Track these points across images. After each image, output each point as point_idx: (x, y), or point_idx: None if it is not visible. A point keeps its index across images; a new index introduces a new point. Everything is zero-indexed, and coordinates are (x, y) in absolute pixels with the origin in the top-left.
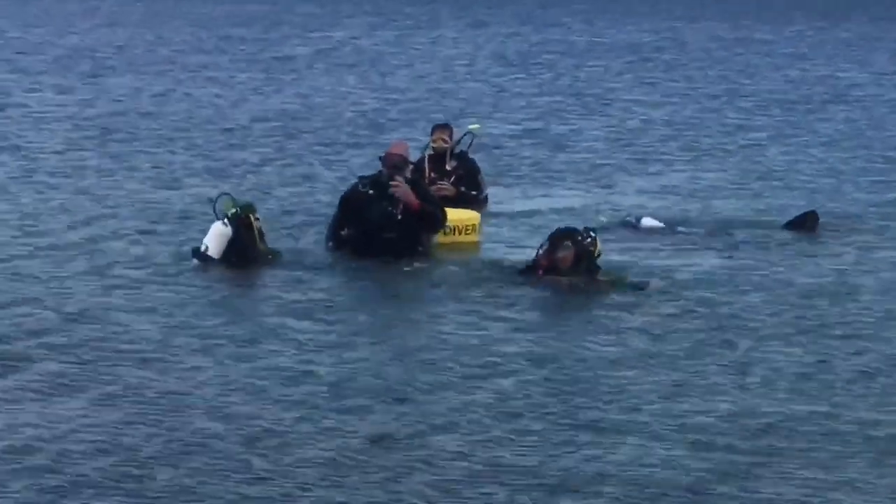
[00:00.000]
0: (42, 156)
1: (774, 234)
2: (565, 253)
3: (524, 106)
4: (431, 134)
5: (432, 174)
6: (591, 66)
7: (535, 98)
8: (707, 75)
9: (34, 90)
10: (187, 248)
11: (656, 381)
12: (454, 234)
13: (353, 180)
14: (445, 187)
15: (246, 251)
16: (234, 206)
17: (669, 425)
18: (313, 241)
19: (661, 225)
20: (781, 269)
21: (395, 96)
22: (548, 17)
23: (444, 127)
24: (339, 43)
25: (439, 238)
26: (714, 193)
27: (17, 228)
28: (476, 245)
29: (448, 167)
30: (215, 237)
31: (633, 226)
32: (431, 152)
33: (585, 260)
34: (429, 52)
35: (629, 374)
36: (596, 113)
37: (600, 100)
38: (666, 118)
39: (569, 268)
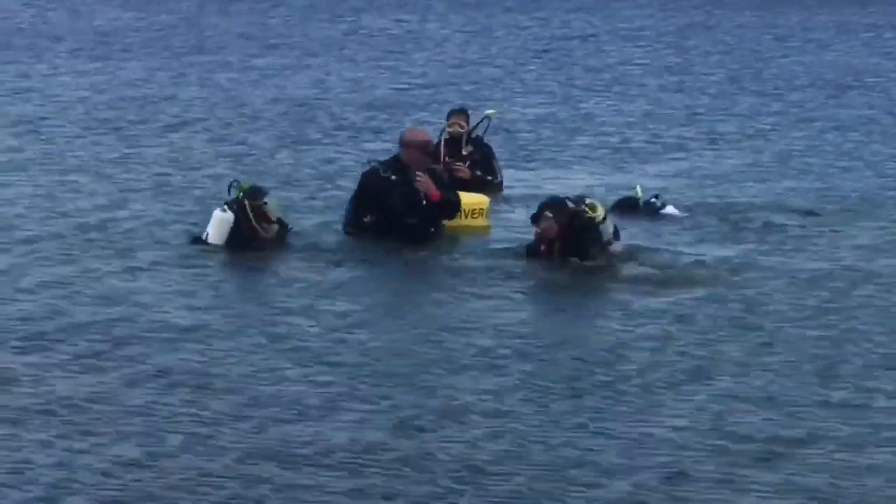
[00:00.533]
0: (61, 139)
1: (791, 218)
2: (546, 224)
3: (542, 90)
4: (447, 118)
5: (447, 158)
6: (609, 51)
7: (553, 83)
8: (724, 60)
9: (53, 74)
10: (201, 232)
11: (676, 363)
12: (461, 217)
13: (367, 166)
14: (462, 169)
15: (243, 235)
16: (260, 193)
17: (689, 408)
18: (332, 225)
19: (683, 214)
20: (799, 253)
21: (414, 81)
22: (567, 2)
23: (461, 112)
24: (357, 27)
25: (447, 222)
26: (730, 178)
27: (39, 209)
28: (485, 229)
29: (464, 152)
30: (215, 223)
31: (655, 209)
32: (447, 137)
33: (583, 228)
34: (447, 36)
35: (647, 356)
36: (613, 98)
37: (618, 84)
38: (684, 103)
39: (563, 239)
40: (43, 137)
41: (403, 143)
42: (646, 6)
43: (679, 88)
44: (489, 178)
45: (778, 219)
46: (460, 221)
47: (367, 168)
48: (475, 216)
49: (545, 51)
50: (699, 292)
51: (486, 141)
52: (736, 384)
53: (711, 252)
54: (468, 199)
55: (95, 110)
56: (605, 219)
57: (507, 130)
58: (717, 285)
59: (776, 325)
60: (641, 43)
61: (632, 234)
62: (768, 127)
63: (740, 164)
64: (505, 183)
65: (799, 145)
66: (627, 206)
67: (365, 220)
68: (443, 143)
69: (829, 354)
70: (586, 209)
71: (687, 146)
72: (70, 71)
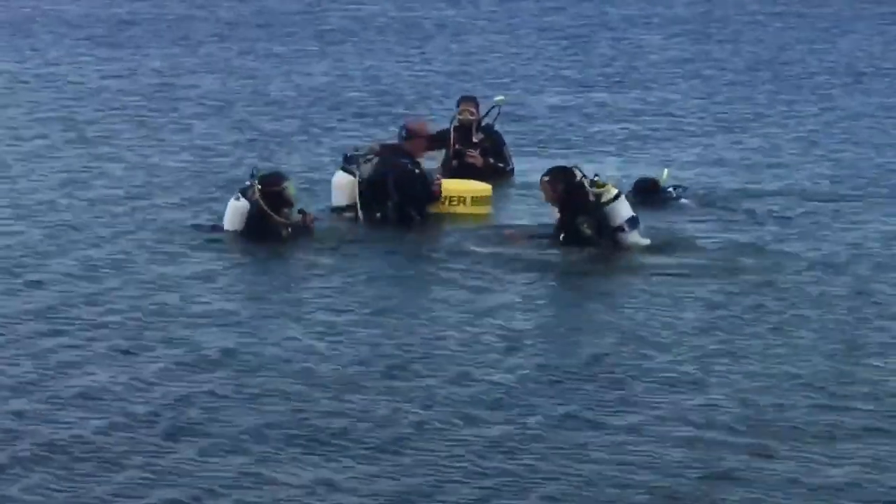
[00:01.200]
0: (85, 126)
1: (808, 205)
2: (542, 186)
3: (557, 77)
4: (457, 106)
5: (458, 146)
6: (625, 39)
7: (569, 70)
8: (742, 48)
9: (79, 62)
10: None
11: (695, 348)
12: (465, 204)
13: (361, 157)
14: (474, 156)
15: (260, 222)
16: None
17: (714, 398)
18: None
19: (698, 208)
20: (815, 239)
21: (430, 68)
22: None
23: (471, 99)
24: (374, 15)
25: (453, 208)
26: (749, 165)
27: (68, 196)
28: (487, 216)
29: (475, 139)
30: (229, 212)
31: (671, 198)
32: (457, 124)
33: (581, 205)
34: (465, 25)
35: (668, 343)
36: (630, 85)
37: (635, 72)
38: (703, 91)
39: (561, 213)
40: (68, 125)
41: (412, 134)
42: None
43: (696, 76)
44: (500, 165)
45: (798, 205)
46: (463, 209)
47: (365, 157)
48: (453, 203)
49: (564, 38)
50: (721, 279)
51: (496, 128)
52: (761, 369)
53: (730, 238)
54: (472, 186)
55: (119, 98)
56: (613, 200)
57: (524, 118)
58: (737, 272)
59: (800, 310)
60: (661, 31)
61: (649, 216)
62: (787, 114)
63: (759, 150)
64: (519, 170)
65: (818, 132)
66: (647, 189)
67: (378, 215)
68: (453, 130)
69: (852, 339)
70: (592, 184)
71: (705, 133)
72: (93, 59)
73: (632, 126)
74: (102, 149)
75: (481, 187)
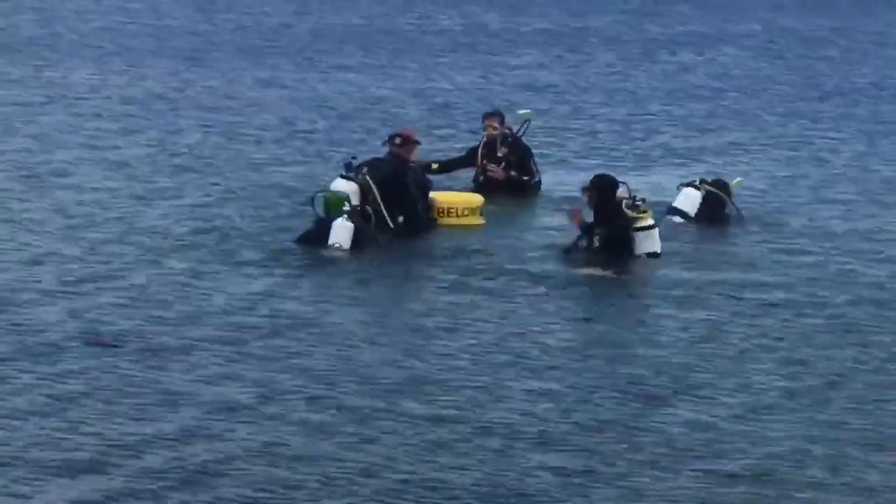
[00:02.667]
0: (150, 140)
1: (825, 221)
2: (576, 208)
3: (589, 91)
4: (482, 121)
5: (485, 161)
6: (668, 56)
7: (599, 85)
8: (776, 64)
9: (142, 76)
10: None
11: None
12: (455, 215)
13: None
14: (495, 170)
15: (366, 238)
16: (342, 203)
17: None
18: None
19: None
20: (831, 255)
21: (491, 81)
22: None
23: (493, 115)
24: (423, 30)
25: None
26: (789, 183)
27: (137, 204)
28: (479, 227)
29: (499, 154)
30: (341, 232)
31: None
32: (485, 140)
33: (609, 210)
34: (514, 38)
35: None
36: (663, 101)
37: (667, 88)
38: (733, 107)
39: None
40: (134, 138)
41: (405, 141)
42: (700, 8)
43: (742, 91)
44: (525, 178)
45: (841, 225)
46: (455, 220)
47: (368, 164)
48: (466, 214)
49: (597, 52)
50: (734, 293)
51: (524, 142)
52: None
53: (740, 251)
54: (460, 198)
55: (182, 111)
56: (645, 229)
57: (558, 131)
58: (748, 285)
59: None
60: (698, 49)
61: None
62: (831, 132)
63: (801, 169)
64: (546, 185)
65: (865, 153)
66: (718, 190)
67: (399, 219)
68: (481, 145)
69: (883, 356)
70: (634, 207)
71: (731, 148)
72: (155, 72)
73: (672, 142)
74: (174, 161)
75: (471, 199)
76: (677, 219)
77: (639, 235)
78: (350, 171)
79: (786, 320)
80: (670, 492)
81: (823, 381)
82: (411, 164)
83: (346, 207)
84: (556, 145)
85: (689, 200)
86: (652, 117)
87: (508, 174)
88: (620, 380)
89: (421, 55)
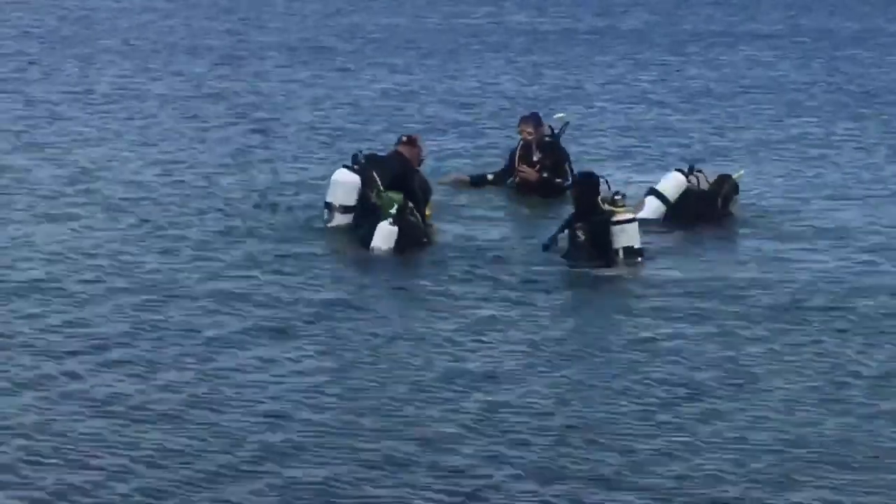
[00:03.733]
0: (193, 139)
1: (844, 222)
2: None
3: (618, 94)
4: (518, 126)
5: (521, 164)
6: (679, 56)
7: (624, 87)
8: (802, 65)
9: (173, 75)
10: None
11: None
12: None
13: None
14: (526, 171)
15: (414, 240)
16: (394, 203)
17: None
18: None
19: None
20: (829, 259)
21: (490, 82)
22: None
23: (528, 119)
24: (449, 29)
25: None
26: (806, 186)
27: (169, 201)
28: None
29: (535, 157)
30: (385, 236)
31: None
32: (522, 143)
33: (589, 205)
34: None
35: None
36: (685, 102)
37: (689, 90)
38: (763, 110)
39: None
40: (182, 136)
41: (411, 142)
42: (725, 6)
43: (765, 90)
44: (558, 180)
45: (854, 230)
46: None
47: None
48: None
49: (621, 55)
50: (734, 296)
51: (561, 145)
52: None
53: (745, 253)
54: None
55: (228, 109)
56: (623, 223)
57: (589, 134)
58: (747, 285)
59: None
60: (715, 48)
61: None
62: (849, 134)
63: (817, 172)
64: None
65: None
66: (718, 185)
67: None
68: (518, 149)
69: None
70: (614, 202)
71: (762, 153)
72: (207, 74)
73: (694, 145)
74: (219, 159)
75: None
76: (652, 199)
77: (615, 229)
78: (355, 164)
79: (786, 320)
80: (671, 492)
81: (828, 382)
82: (418, 169)
83: (393, 210)
84: (579, 145)
85: (672, 185)
86: (671, 117)
87: (541, 176)
88: (621, 380)
89: (450, 54)
